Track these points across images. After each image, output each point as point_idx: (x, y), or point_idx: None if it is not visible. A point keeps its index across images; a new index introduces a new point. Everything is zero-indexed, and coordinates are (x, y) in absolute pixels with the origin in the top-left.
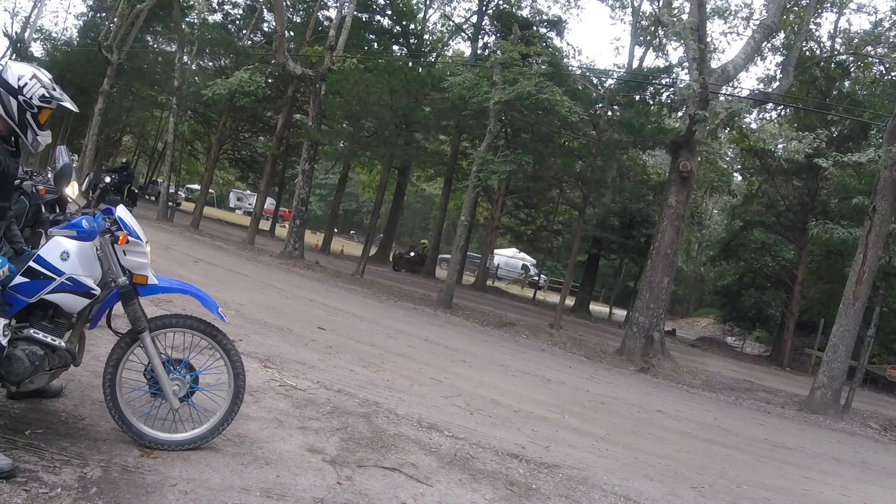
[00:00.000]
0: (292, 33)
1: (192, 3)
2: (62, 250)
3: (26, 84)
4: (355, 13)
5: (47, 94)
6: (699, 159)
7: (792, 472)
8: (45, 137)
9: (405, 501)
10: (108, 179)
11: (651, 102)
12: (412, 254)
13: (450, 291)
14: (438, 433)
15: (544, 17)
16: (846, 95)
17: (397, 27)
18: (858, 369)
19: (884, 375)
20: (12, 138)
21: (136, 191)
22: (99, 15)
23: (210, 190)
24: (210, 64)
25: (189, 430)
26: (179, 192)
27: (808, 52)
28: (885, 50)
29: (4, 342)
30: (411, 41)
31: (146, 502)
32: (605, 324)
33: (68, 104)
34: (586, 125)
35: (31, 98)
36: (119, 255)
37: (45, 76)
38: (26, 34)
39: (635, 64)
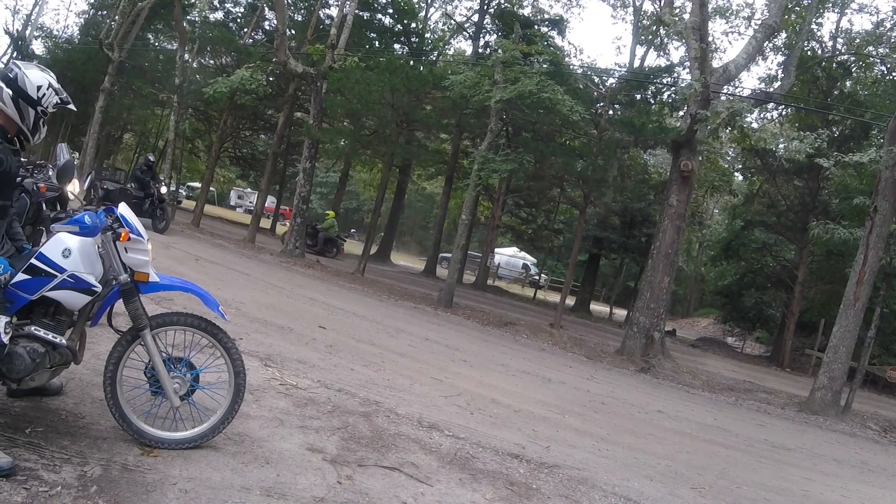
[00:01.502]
0: (293, 32)
1: (193, 1)
2: (64, 247)
3: (44, 95)
4: (356, 12)
5: (59, 101)
6: (700, 159)
7: (792, 472)
8: (44, 132)
9: (405, 501)
10: (163, 190)
11: (652, 102)
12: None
13: (450, 290)
14: (439, 433)
15: (546, 16)
16: (847, 95)
17: (398, 26)
18: (859, 370)
19: (884, 377)
20: (15, 137)
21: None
22: (100, 13)
23: (211, 188)
24: (211, 62)
25: (189, 428)
26: (180, 191)
27: (809, 52)
28: (887, 50)
29: (6, 340)
30: (413, 40)
31: (146, 501)
32: (605, 323)
33: (72, 106)
34: (587, 124)
35: (47, 107)
36: (120, 252)
37: (54, 80)
38: (27, 32)
39: (637, 63)
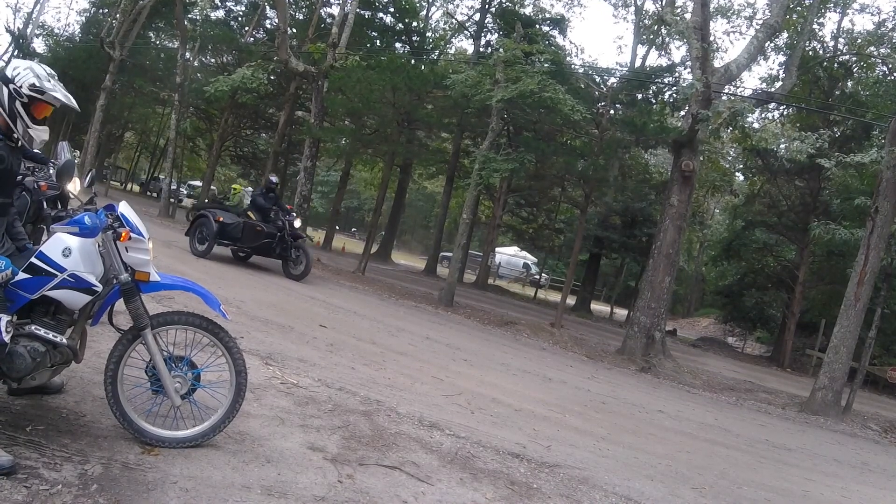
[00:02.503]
0: (295, 30)
1: None
2: (64, 247)
3: (18, 73)
4: (358, 10)
5: (38, 84)
6: (701, 159)
7: (792, 473)
8: (39, 133)
9: (406, 500)
10: (296, 224)
11: (654, 101)
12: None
13: (451, 290)
14: (439, 432)
15: (547, 16)
16: (849, 96)
17: (400, 25)
18: (859, 371)
19: (884, 377)
20: (15, 135)
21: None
22: (101, 11)
23: (212, 186)
24: (212, 61)
25: (190, 427)
26: (181, 189)
27: (810, 52)
28: (888, 50)
29: (6, 338)
30: (414, 39)
31: (147, 499)
32: (606, 323)
33: (59, 95)
34: (588, 124)
35: (20, 86)
36: (121, 251)
37: (42, 70)
38: (28, 30)
39: (638, 63)
